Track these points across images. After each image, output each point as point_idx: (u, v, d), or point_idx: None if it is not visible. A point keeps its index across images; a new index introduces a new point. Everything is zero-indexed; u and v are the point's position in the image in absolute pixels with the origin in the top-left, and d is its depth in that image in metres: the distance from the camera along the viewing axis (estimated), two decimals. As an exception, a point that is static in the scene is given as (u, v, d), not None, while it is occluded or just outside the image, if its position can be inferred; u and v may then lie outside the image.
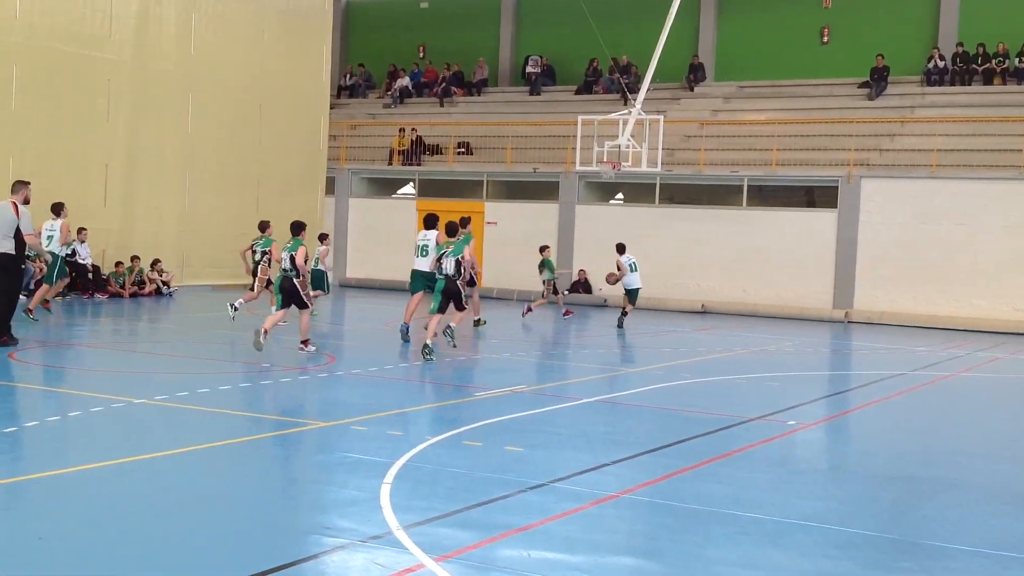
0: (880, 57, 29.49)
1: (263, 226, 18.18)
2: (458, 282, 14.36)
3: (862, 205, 25.14)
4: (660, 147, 23.93)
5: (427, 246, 16.25)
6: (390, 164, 31.15)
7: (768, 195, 27.29)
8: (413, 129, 31.14)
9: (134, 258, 23.15)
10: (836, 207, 25.46)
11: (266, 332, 13.72)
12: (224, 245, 26.46)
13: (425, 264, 16.15)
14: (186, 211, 25.51)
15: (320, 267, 18.97)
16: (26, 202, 13.74)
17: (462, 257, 14.37)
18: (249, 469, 8.01)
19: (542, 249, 21.70)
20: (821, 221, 25.68)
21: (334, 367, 13.52)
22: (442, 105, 34.45)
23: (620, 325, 20.13)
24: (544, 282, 21.38)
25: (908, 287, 24.32)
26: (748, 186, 26.71)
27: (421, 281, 16.32)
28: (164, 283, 23.49)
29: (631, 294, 20.67)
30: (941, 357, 18.07)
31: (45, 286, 17.16)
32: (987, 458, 9.83)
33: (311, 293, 15.31)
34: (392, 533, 6.32)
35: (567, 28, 33.80)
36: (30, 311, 16.34)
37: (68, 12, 22.61)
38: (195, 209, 25.55)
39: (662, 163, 24.37)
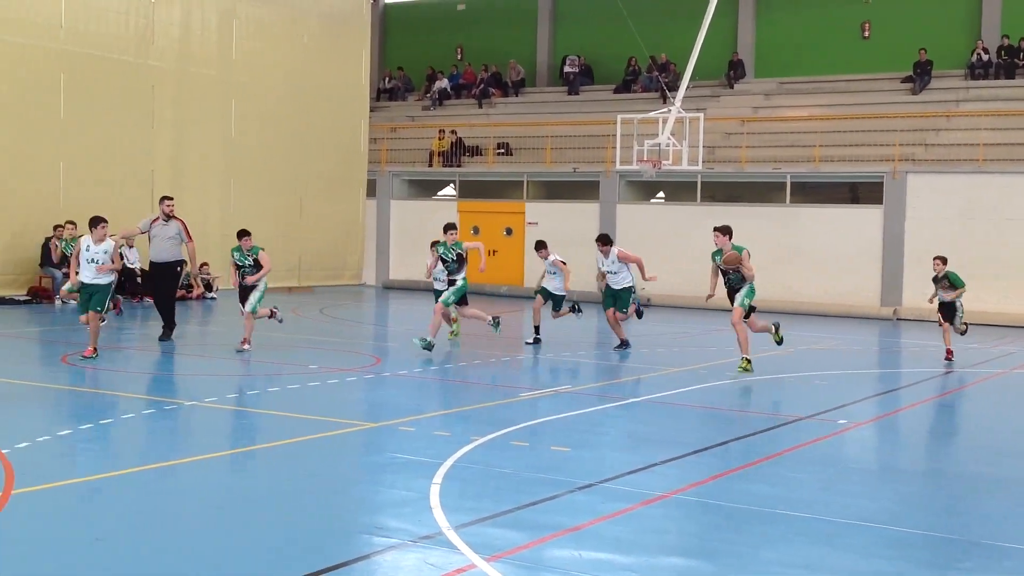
0: (923, 51, 29.10)
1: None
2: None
3: (908, 201, 24.80)
4: (701, 145, 23.75)
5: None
6: (430, 166, 31.21)
7: (812, 192, 27.01)
8: (452, 131, 31.19)
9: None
10: (881, 203, 25.14)
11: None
12: (267, 248, 26.52)
13: None
14: (230, 215, 25.72)
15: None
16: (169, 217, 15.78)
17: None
18: (298, 470, 8.05)
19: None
20: (866, 217, 25.38)
21: (380, 368, 13.57)
22: (480, 106, 34.48)
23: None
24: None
25: (956, 283, 23.92)
26: (791, 183, 26.46)
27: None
28: (209, 286, 23.68)
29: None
30: (992, 354, 17.79)
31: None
32: (1043, 456, 9.67)
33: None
34: (443, 533, 6.33)
35: (604, 27, 33.67)
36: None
37: (112, 20, 22.88)
38: (239, 212, 25.71)
39: (703, 161, 24.18)
